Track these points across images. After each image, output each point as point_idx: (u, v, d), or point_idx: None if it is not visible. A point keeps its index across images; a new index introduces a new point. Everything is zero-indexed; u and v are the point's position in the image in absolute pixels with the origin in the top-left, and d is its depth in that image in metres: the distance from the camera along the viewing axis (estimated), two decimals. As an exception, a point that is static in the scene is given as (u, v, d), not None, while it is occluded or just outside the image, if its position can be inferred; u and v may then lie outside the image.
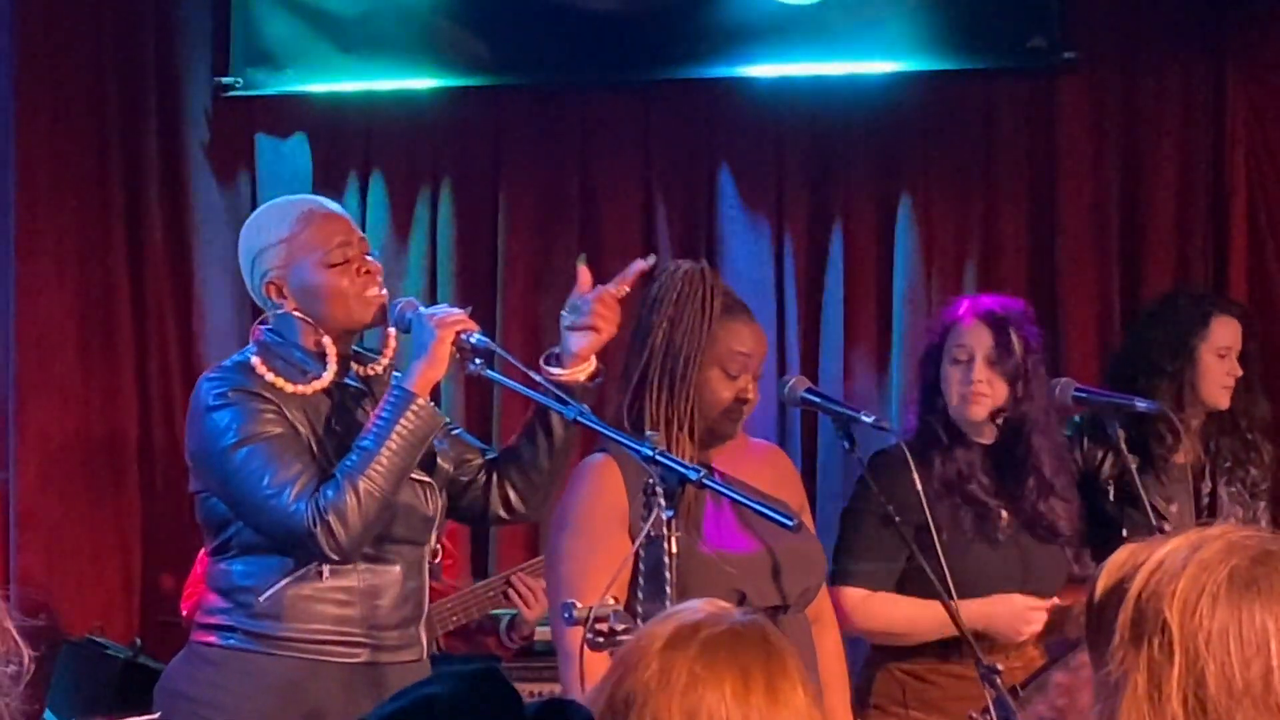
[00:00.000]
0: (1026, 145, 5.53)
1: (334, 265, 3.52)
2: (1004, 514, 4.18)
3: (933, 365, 4.26)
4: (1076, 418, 4.60)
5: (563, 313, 3.61)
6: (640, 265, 3.63)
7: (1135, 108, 5.52)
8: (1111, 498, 4.58)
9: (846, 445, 3.87)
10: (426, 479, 3.58)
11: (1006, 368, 4.16)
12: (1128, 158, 5.52)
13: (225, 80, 5.45)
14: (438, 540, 3.68)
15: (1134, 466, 4.38)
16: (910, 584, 4.10)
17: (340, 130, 5.52)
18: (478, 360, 3.44)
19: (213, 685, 3.52)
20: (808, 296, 5.50)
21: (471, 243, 5.52)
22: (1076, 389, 4.30)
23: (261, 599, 3.48)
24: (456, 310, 3.49)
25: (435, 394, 3.55)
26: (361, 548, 3.45)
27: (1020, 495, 4.19)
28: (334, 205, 3.67)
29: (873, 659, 4.24)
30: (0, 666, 1.74)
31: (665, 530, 3.16)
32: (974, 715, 3.76)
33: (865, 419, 3.81)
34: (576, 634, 3.10)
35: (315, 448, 3.48)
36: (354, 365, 3.61)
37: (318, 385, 3.52)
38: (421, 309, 3.49)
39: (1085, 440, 4.61)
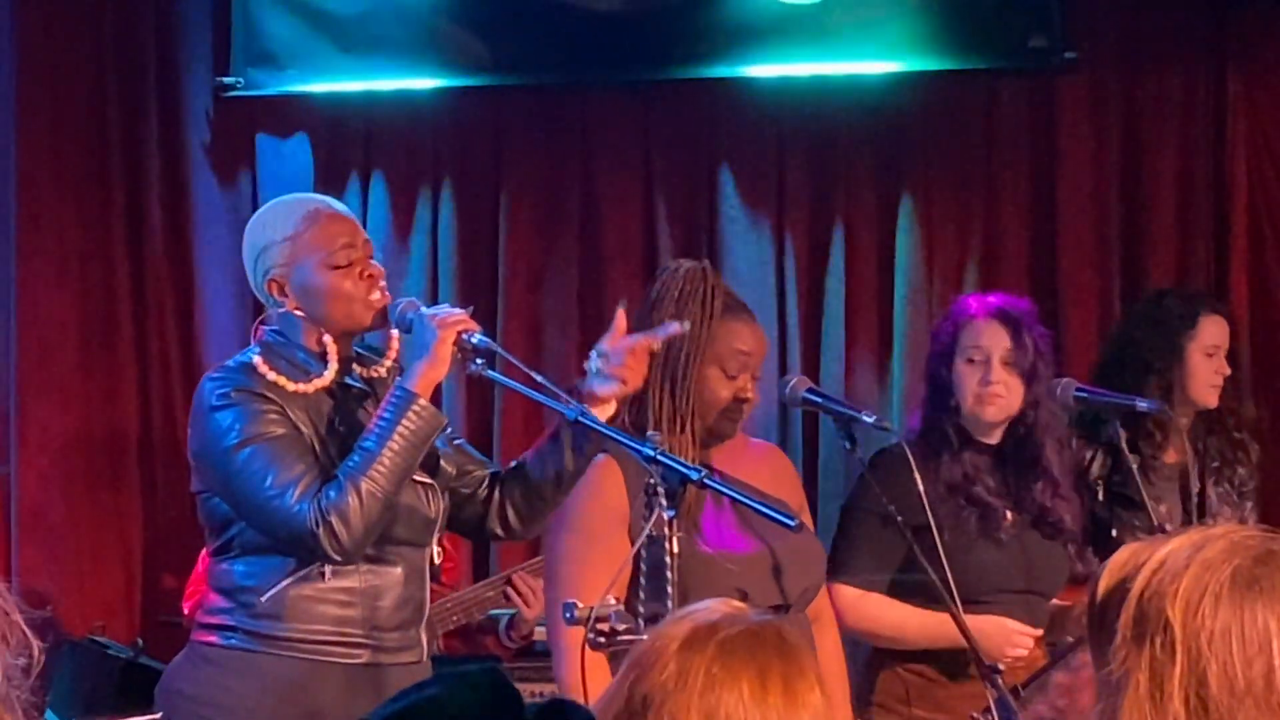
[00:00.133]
0: (1027, 145, 5.53)
1: (336, 267, 3.51)
2: (1008, 514, 4.17)
3: (943, 365, 4.23)
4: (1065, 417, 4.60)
5: (592, 354, 3.53)
6: (676, 329, 3.57)
7: (1135, 108, 5.52)
8: (1100, 497, 4.58)
9: (847, 445, 3.87)
10: (429, 481, 3.58)
11: (1023, 367, 4.15)
12: (1128, 157, 5.52)
13: (226, 80, 5.44)
14: (439, 542, 3.68)
15: (1135, 466, 4.38)
16: (909, 586, 4.10)
17: (341, 130, 5.52)
18: (479, 360, 3.43)
19: (214, 685, 3.52)
20: (808, 296, 5.50)
21: (472, 243, 5.51)
22: (1078, 389, 4.30)
23: (263, 599, 3.48)
24: (458, 310, 3.48)
25: (436, 395, 3.54)
26: (364, 548, 3.44)
27: (1028, 495, 4.19)
28: (341, 206, 3.67)
29: (876, 658, 4.24)
30: (10, 659, 1.74)
31: (667, 530, 3.16)
32: (975, 716, 3.76)
33: (866, 419, 3.81)
34: (576, 633, 3.10)
35: (318, 448, 3.48)
36: (357, 367, 3.61)
37: (319, 384, 3.52)
38: (423, 309, 3.48)
39: (1074, 440, 4.60)
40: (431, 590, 3.70)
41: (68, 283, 5.39)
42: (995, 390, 4.14)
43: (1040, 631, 4.12)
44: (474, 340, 3.42)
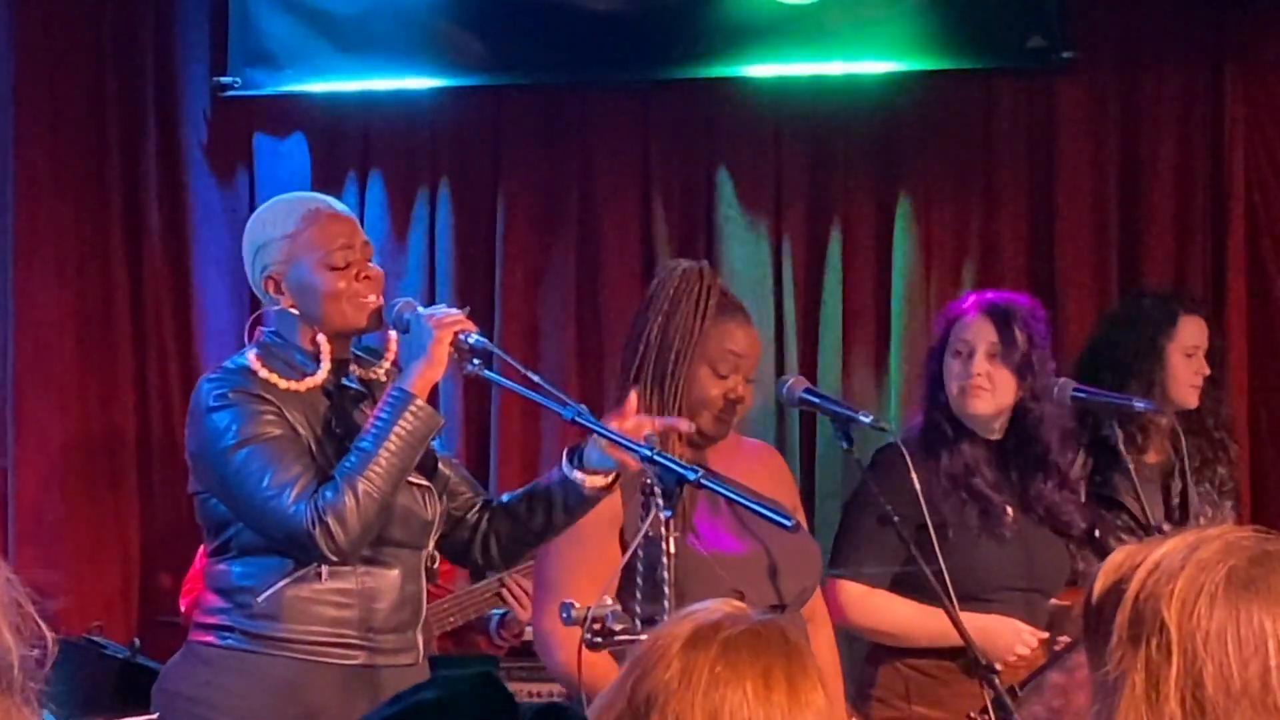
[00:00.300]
0: (1026, 145, 5.53)
1: (333, 268, 3.51)
2: (1009, 511, 4.18)
3: (936, 360, 4.26)
4: None
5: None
6: (686, 426, 3.55)
7: (1135, 108, 5.51)
8: (1082, 499, 4.57)
9: (845, 445, 3.87)
10: (426, 483, 3.58)
11: (1012, 361, 4.16)
12: (1127, 157, 5.52)
13: (224, 80, 5.44)
14: (435, 545, 3.68)
15: (1131, 466, 4.38)
16: (908, 585, 4.10)
17: (339, 130, 5.52)
18: (476, 361, 3.43)
19: (210, 685, 3.52)
20: (806, 296, 5.50)
21: (470, 243, 5.51)
22: (1075, 389, 4.30)
23: (260, 600, 3.48)
24: (455, 310, 3.48)
25: (434, 395, 3.54)
26: (361, 549, 3.44)
27: (1033, 491, 4.19)
28: (341, 207, 3.66)
29: (876, 652, 4.24)
30: (25, 650, 1.73)
31: (663, 531, 3.16)
32: (973, 715, 3.76)
33: (863, 419, 3.82)
34: (572, 634, 3.10)
35: (315, 449, 3.48)
36: (354, 368, 3.61)
37: (311, 382, 3.52)
38: (420, 309, 3.48)
39: None
40: (428, 591, 3.70)
41: (65, 282, 5.39)
42: (977, 382, 4.16)
43: (1047, 635, 4.12)
44: (471, 340, 3.42)
